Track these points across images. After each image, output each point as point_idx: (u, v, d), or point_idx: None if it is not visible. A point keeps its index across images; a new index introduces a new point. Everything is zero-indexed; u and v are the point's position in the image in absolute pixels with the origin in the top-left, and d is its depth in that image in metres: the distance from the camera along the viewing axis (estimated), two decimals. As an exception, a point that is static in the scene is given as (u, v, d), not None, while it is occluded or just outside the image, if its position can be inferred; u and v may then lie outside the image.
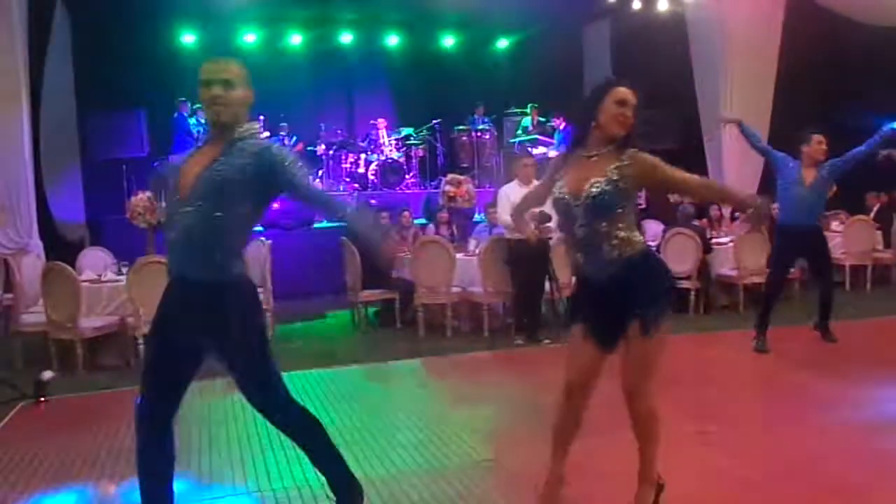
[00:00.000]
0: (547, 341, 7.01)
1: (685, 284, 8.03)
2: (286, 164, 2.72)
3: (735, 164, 11.08)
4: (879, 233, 9.94)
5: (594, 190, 2.95)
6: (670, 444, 3.30)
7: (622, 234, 2.98)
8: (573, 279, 3.39)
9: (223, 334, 2.77)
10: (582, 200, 2.97)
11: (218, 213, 2.69)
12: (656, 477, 3.18)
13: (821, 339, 6.57)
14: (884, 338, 6.76)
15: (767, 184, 11.27)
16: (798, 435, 4.26)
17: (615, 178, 2.96)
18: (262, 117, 11.84)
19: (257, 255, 7.76)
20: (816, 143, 6.30)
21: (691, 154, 11.41)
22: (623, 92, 3.04)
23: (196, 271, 2.75)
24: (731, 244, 8.64)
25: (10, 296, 7.13)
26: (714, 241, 8.71)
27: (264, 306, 7.28)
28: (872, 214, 10.14)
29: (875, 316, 7.63)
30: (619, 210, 2.98)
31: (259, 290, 7.28)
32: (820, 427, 4.40)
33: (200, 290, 2.74)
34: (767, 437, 4.26)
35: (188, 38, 12.22)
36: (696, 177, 3.09)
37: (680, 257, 7.93)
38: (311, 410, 3.05)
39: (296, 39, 13.00)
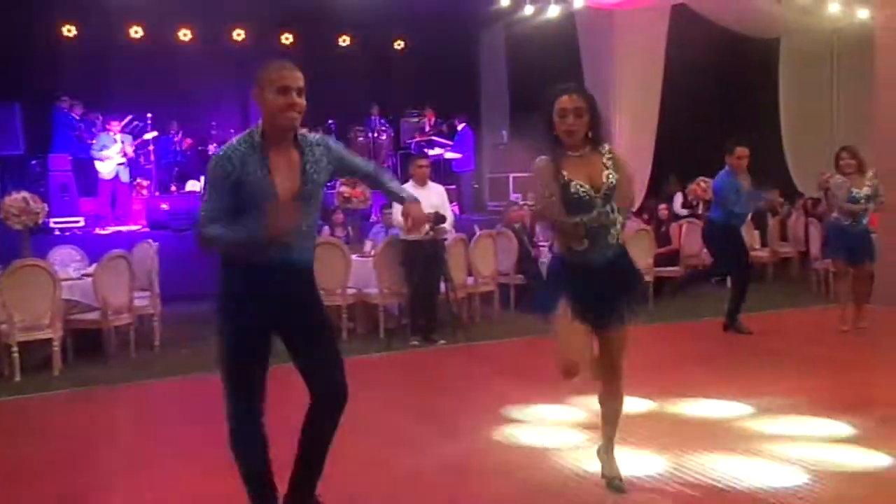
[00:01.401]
0: (442, 342, 7.05)
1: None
2: (346, 152, 3.10)
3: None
4: (757, 232, 10.49)
5: (612, 180, 3.22)
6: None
7: (619, 221, 3.27)
8: (548, 266, 3.63)
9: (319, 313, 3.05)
10: (602, 191, 3.20)
11: (316, 209, 3.00)
12: None
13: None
14: (759, 330, 7.12)
15: (656, 186, 11.80)
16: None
17: (612, 168, 3.24)
18: (149, 115, 11.47)
19: (144, 258, 7.49)
20: (736, 159, 6.68)
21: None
22: (563, 101, 3.20)
23: (307, 258, 2.97)
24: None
25: None
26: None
27: (151, 311, 7.17)
28: (749, 215, 10.68)
29: (753, 312, 8.01)
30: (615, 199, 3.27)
31: (146, 293, 7.15)
32: (701, 418, 4.59)
33: (306, 275, 2.98)
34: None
35: (68, 31, 11.65)
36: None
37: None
38: (200, 418, 2.96)
39: (185, 35, 12.61)
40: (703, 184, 9.43)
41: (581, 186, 3.19)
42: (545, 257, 8.48)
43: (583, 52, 11.54)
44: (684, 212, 10.84)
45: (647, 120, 11.39)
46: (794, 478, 3.61)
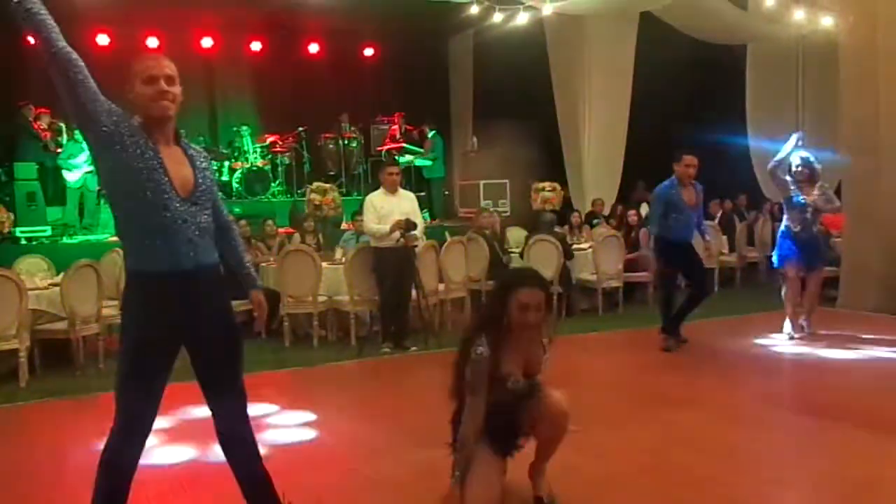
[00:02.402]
0: (414, 349, 7.07)
1: (547, 289, 8.30)
2: (216, 188, 2.98)
3: (594, 172, 11.62)
4: (724, 238, 10.65)
5: (546, 366, 3.29)
6: (531, 446, 3.44)
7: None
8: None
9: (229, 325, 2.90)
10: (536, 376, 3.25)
11: (209, 211, 2.84)
12: None
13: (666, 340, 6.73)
14: (727, 336, 7.24)
15: (623, 193, 11.93)
16: (649, 431, 4.50)
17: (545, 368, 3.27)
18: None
19: (112, 266, 7.42)
20: (684, 167, 6.50)
21: (552, 163, 11.89)
22: (525, 296, 3.12)
23: (211, 260, 2.83)
24: (589, 250, 9.03)
25: None
26: (574, 247, 9.08)
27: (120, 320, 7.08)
28: (717, 220, 10.85)
29: (721, 315, 8.16)
30: None
31: (114, 301, 7.07)
32: (670, 423, 4.65)
33: (211, 278, 2.80)
34: (624, 435, 4.46)
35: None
36: None
37: (543, 263, 8.19)
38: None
39: (152, 42, 12.50)
40: (633, 216, 9.60)
41: (516, 383, 3.19)
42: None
43: (551, 60, 11.65)
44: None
45: (617, 127, 11.51)
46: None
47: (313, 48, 13.97)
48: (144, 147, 2.67)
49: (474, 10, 9.74)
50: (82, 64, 2.60)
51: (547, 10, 9.69)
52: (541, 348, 3.28)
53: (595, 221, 10.77)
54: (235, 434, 2.91)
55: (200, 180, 2.79)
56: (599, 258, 8.78)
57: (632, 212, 9.88)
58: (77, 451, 4.40)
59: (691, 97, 12.43)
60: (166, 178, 2.68)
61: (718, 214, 11.10)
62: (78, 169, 10.60)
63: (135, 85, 2.70)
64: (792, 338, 6.89)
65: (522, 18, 10.10)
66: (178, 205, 2.69)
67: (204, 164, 2.85)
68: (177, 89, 2.73)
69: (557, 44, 11.46)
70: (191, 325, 2.76)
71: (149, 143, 2.68)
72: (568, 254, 8.64)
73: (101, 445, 2.79)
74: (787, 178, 6.84)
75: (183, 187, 2.73)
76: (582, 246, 9.32)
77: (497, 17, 10.14)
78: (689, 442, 4.30)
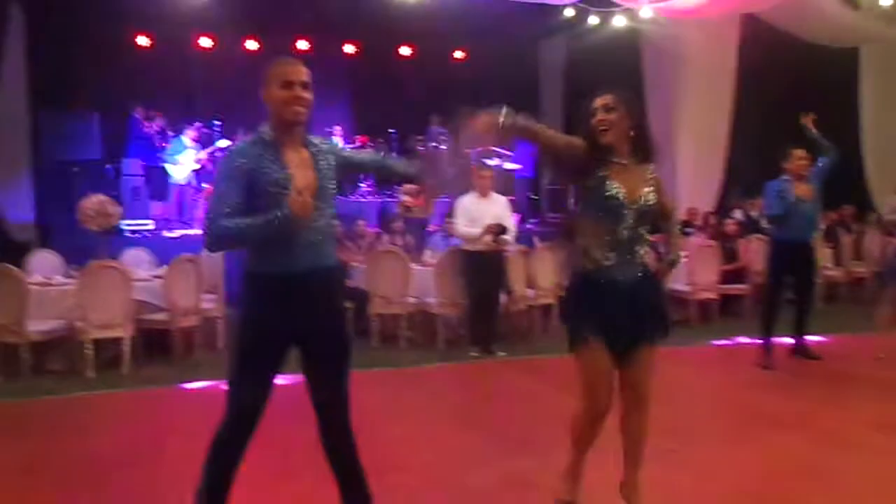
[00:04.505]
0: (502, 354, 7.01)
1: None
2: (351, 151, 3.25)
3: (689, 181, 11.30)
4: (829, 251, 10.13)
5: (651, 198, 3.10)
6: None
7: (647, 239, 3.16)
8: (566, 287, 3.37)
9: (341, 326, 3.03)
10: (638, 205, 3.07)
11: (332, 207, 2.96)
12: None
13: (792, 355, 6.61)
14: (831, 354, 6.90)
15: (725, 200, 11.55)
16: (752, 452, 4.33)
17: (653, 187, 3.13)
18: (218, 123, 11.73)
19: (210, 261, 7.64)
20: (796, 161, 6.30)
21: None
22: (598, 101, 3.11)
23: (331, 262, 2.95)
24: (683, 260, 8.75)
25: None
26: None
27: (216, 314, 7.30)
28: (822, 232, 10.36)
29: (824, 332, 7.77)
30: (652, 218, 3.18)
31: (211, 296, 7.29)
32: (773, 445, 4.46)
33: (327, 281, 2.91)
34: (726, 455, 4.30)
35: (142, 41, 12.01)
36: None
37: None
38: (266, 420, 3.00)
39: (251, 45, 12.87)
40: (731, 225, 9.27)
41: (618, 188, 3.04)
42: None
43: (645, 63, 11.40)
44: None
45: (716, 133, 11.15)
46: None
47: (405, 51, 14.09)
48: (273, 158, 2.81)
49: (569, 13, 9.63)
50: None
51: (645, 12, 9.49)
52: (642, 181, 3.11)
53: (688, 230, 10.47)
54: (336, 428, 2.98)
55: (322, 183, 2.87)
56: (694, 269, 8.52)
57: (730, 220, 9.55)
58: (177, 438, 4.55)
59: (799, 103, 11.92)
60: (291, 183, 2.78)
61: (823, 226, 10.60)
62: (183, 166, 11.01)
63: (272, 88, 2.83)
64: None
65: (619, 21, 9.92)
66: None
67: (324, 164, 2.92)
68: (309, 95, 2.85)
69: (653, 48, 11.20)
70: (304, 324, 2.86)
71: (277, 153, 2.82)
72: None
73: (201, 433, 2.87)
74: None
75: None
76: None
77: (592, 20, 9.99)
78: (796, 468, 4.11)
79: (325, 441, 3.00)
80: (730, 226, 9.40)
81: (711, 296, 8.67)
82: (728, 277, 8.80)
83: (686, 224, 10.66)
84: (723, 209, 11.18)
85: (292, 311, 2.83)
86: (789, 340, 6.71)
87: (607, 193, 3.05)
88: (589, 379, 3.11)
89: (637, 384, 3.17)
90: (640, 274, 3.10)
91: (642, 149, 3.14)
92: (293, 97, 2.81)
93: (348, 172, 3.16)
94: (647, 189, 3.10)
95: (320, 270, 2.86)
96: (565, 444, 3.33)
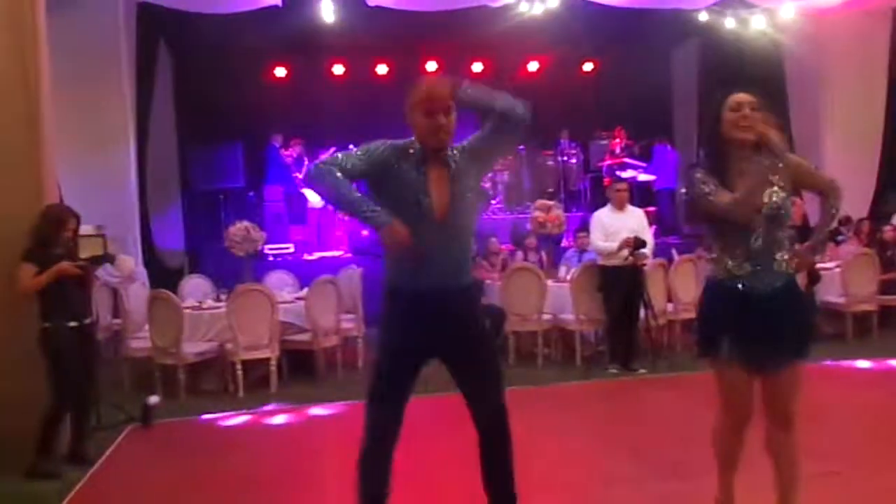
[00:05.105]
0: (642, 371, 6.81)
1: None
2: (472, 137, 3.04)
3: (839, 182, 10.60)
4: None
5: (775, 200, 2.90)
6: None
7: (788, 244, 2.95)
8: (703, 299, 3.14)
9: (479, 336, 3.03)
10: (763, 211, 2.88)
11: (469, 224, 3.00)
12: None
13: None
14: None
15: (880, 204, 10.78)
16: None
17: (781, 184, 2.92)
18: (352, 147, 12.08)
19: (349, 282, 7.87)
20: None
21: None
22: (737, 97, 2.96)
23: (465, 281, 2.97)
24: (837, 269, 8.21)
25: (118, 321, 7.41)
26: (818, 266, 8.31)
27: (356, 333, 7.49)
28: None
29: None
30: (787, 218, 2.95)
31: (351, 316, 7.49)
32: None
33: (461, 298, 2.94)
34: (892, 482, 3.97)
35: (280, 72, 12.57)
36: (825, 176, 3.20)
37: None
38: (403, 437, 3.02)
39: (381, 69, 13.20)
40: (890, 231, 8.54)
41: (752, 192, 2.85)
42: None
43: (787, 63, 10.84)
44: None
45: (868, 136, 10.44)
46: None
47: (533, 66, 14.06)
48: (415, 165, 2.87)
49: (703, 17, 9.31)
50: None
51: (787, 11, 9.02)
52: (767, 181, 2.89)
53: (839, 238, 9.82)
54: (493, 437, 3.05)
55: (456, 203, 2.89)
56: (849, 279, 7.97)
57: (888, 227, 8.89)
58: (335, 457, 4.65)
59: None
60: (427, 200, 2.84)
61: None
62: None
63: (415, 115, 2.90)
64: None
65: (758, 22, 9.48)
66: (433, 229, 2.83)
67: (464, 182, 2.92)
68: (452, 120, 2.89)
69: (795, 45, 10.62)
70: (441, 342, 2.91)
71: (421, 163, 2.88)
72: (814, 276, 7.88)
73: (355, 452, 2.94)
74: None
75: (440, 210, 2.85)
76: (826, 265, 8.51)
77: (728, 23, 9.60)
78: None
79: (484, 457, 3.04)
80: (888, 232, 8.75)
81: (869, 308, 8.07)
82: (888, 288, 8.17)
83: (836, 232, 10.01)
84: (879, 214, 10.41)
85: (427, 327, 2.87)
86: None
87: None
88: (723, 389, 3.02)
89: (778, 400, 2.98)
90: (779, 284, 2.91)
91: (769, 148, 2.93)
92: (436, 127, 2.85)
93: (483, 155, 3.08)
94: (771, 190, 2.89)
95: (455, 288, 2.90)
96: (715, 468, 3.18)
